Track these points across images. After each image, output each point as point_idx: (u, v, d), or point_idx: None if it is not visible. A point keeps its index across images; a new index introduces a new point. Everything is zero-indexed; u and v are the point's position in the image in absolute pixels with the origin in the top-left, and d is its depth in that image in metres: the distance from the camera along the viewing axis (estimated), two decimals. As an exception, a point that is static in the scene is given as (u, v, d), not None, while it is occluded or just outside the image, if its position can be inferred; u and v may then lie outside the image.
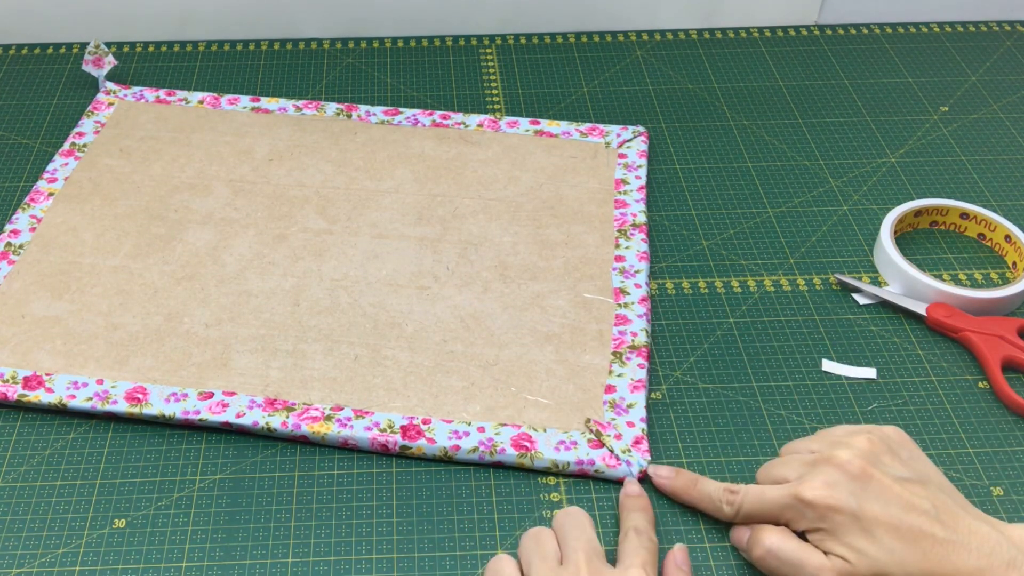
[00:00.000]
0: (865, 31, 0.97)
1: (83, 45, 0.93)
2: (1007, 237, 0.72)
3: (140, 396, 0.61)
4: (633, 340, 0.65)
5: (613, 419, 0.61)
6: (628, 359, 0.64)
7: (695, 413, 0.63)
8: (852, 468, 0.50)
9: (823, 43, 0.95)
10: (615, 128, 0.82)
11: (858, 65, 0.92)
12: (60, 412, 0.62)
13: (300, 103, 0.84)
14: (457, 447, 0.59)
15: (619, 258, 0.71)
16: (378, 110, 0.83)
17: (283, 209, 0.74)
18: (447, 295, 0.68)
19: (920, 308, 0.68)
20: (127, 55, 0.91)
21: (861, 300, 0.70)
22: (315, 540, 0.56)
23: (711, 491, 0.55)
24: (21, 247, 0.71)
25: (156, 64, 0.91)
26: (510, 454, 0.59)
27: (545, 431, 0.60)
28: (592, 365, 0.64)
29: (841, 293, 0.70)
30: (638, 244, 0.72)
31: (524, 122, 0.82)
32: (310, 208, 0.74)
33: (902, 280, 0.70)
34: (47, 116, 0.85)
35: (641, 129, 0.82)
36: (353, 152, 0.79)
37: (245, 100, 0.84)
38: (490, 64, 0.91)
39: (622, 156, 0.79)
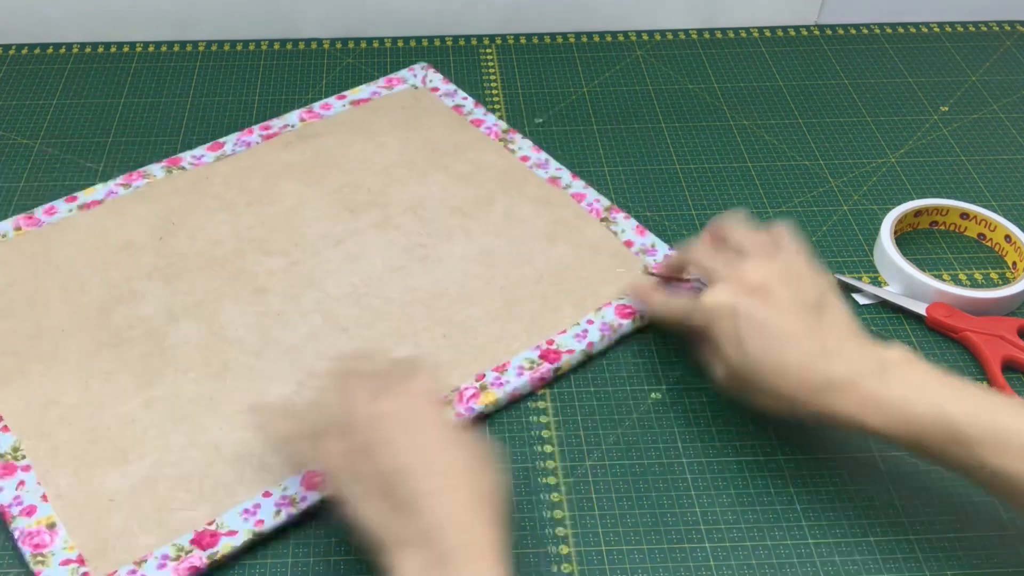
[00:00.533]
0: (865, 31, 0.97)
1: (83, 45, 0.93)
2: (1007, 237, 0.72)
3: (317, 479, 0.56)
4: (600, 204, 0.74)
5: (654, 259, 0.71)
6: (613, 217, 0.73)
7: (695, 413, 0.62)
8: (753, 284, 0.56)
9: (823, 43, 0.95)
10: (406, 73, 0.88)
11: (858, 65, 0.92)
12: (260, 543, 0.55)
13: (119, 179, 0.76)
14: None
15: (524, 158, 0.78)
16: (201, 149, 0.79)
17: (229, 269, 0.69)
18: (447, 251, 0.71)
19: (920, 308, 0.68)
20: (127, 55, 0.92)
21: (861, 300, 0.70)
22: (315, 540, 0.56)
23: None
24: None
25: (156, 64, 0.91)
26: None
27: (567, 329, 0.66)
28: (600, 238, 0.72)
29: (841, 293, 0.70)
30: (522, 144, 0.80)
31: (335, 100, 0.84)
32: (252, 254, 0.71)
33: (902, 280, 0.70)
34: (47, 116, 0.85)
35: (425, 64, 0.88)
36: (226, 194, 0.75)
37: (63, 205, 0.74)
38: (490, 64, 0.91)
39: (435, 90, 0.85)
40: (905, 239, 0.74)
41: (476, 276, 0.69)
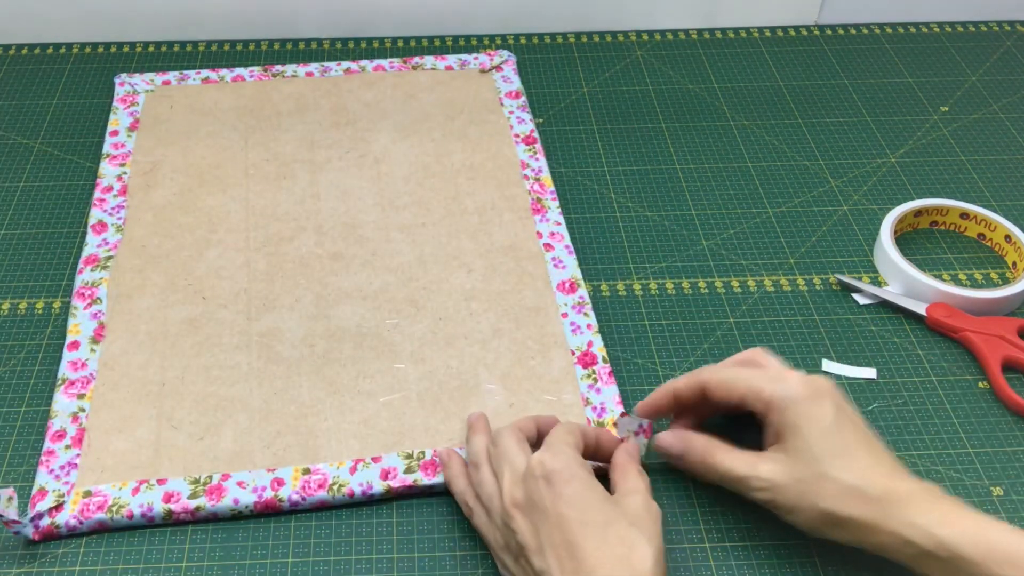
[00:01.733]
0: (865, 31, 0.97)
1: (83, 45, 0.93)
2: (1007, 237, 0.72)
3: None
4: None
5: None
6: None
7: (695, 413, 0.62)
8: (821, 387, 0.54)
9: (823, 43, 0.95)
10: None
11: (858, 65, 0.92)
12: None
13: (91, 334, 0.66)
14: None
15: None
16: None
17: (326, 260, 0.71)
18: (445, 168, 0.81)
19: (920, 308, 0.68)
20: (127, 55, 0.91)
21: (861, 300, 0.70)
22: (315, 540, 0.56)
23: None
24: None
25: (156, 64, 0.90)
26: None
27: None
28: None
29: (841, 293, 0.70)
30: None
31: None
32: (312, 239, 0.72)
33: (902, 280, 0.69)
34: (47, 116, 0.85)
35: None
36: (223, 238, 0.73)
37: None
38: (490, 64, 0.91)
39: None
40: (905, 239, 0.74)
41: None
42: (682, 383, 0.56)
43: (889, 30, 0.97)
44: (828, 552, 0.55)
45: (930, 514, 0.48)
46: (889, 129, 0.85)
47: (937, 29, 0.97)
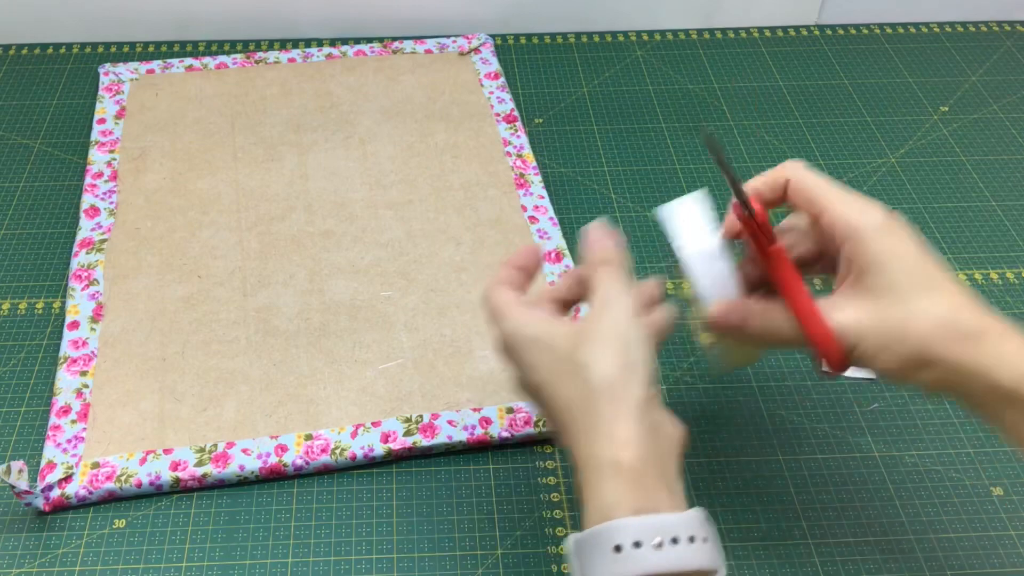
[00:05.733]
0: (865, 31, 0.97)
1: (83, 45, 0.93)
2: None
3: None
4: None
5: None
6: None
7: (695, 413, 0.63)
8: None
9: (823, 43, 0.95)
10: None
11: (858, 65, 0.92)
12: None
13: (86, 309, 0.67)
14: None
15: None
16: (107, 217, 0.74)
17: (317, 238, 0.72)
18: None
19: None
20: (127, 55, 0.91)
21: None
22: (315, 540, 0.56)
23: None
24: None
25: (156, 64, 0.90)
26: None
27: None
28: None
29: (841, 293, 0.70)
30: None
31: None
32: (303, 217, 0.74)
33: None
34: (47, 116, 0.84)
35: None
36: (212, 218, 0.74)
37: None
38: (490, 64, 0.91)
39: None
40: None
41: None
42: (761, 181, 0.52)
43: (889, 30, 0.97)
44: (828, 552, 0.55)
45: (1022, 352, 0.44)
46: (889, 129, 0.85)
47: (937, 29, 0.97)
